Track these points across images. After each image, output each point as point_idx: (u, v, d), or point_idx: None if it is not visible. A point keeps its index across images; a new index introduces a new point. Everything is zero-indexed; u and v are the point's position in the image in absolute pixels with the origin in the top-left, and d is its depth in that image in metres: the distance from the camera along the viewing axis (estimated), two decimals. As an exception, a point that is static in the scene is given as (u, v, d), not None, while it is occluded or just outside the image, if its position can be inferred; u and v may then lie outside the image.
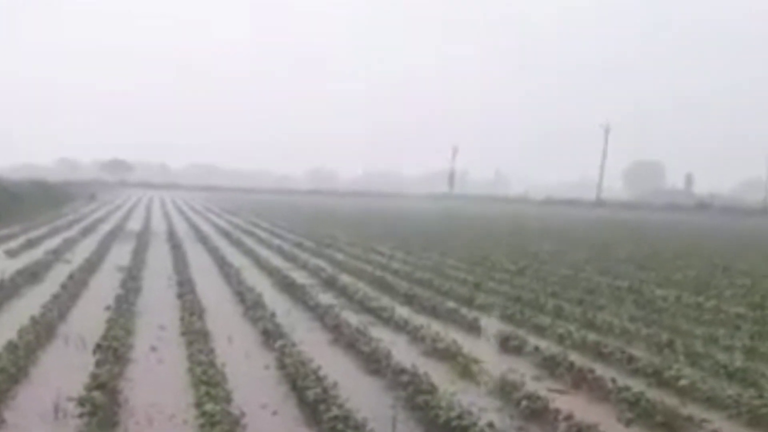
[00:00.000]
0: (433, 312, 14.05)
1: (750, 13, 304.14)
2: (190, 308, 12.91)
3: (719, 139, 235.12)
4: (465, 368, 9.77)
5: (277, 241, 29.55)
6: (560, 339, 11.76)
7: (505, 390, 8.68)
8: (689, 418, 7.63)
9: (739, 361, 10.41)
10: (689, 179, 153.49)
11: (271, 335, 11.20)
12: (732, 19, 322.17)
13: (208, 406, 7.27)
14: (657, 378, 9.49)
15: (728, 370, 9.86)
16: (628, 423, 7.94)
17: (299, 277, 18.54)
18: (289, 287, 16.72)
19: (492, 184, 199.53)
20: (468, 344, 10.97)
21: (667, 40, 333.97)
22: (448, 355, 10.40)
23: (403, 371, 8.97)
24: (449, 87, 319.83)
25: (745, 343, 11.53)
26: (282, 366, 9.49)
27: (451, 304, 14.45)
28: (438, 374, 9.34)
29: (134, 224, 37.65)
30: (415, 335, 11.76)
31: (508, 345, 11.28)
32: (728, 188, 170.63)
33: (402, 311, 13.91)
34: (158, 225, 37.79)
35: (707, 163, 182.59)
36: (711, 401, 8.61)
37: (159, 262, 21.33)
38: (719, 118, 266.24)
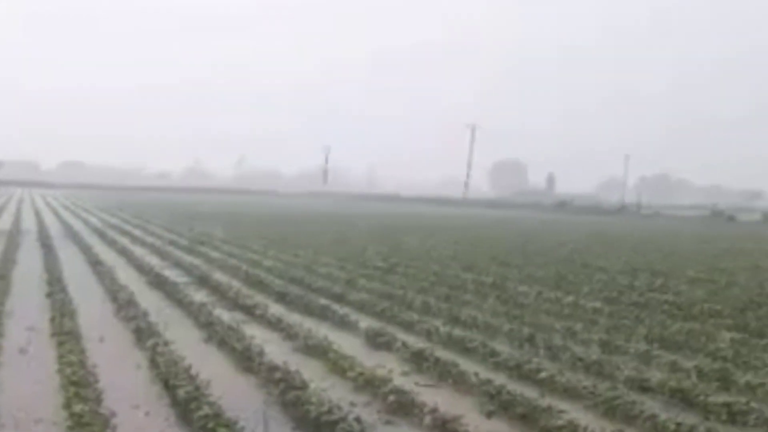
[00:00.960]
0: (306, 309, 14.26)
1: (609, 21, 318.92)
2: (61, 308, 12.67)
3: (580, 140, 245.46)
4: (335, 364, 10.01)
5: (150, 239, 29.01)
6: (428, 334, 12.18)
7: (374, 385, 8.95)
8: (548, 409, 8.01)
9: (595, 354, 10.98)
10: (551, 179, 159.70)
11: (143, 334, 11.15)
12: (598, 26, 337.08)
13: (77, 407, 7.25)
14: (518, 371, 9.96)
15: (585, 363, 10.41)
16: (490, 415, 8.34)
17: (172, 275, 18.38)
18: (162, 285, 16.57)
19: (365, 183, 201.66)
20: (339, 341, 11.27)
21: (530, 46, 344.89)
22: (319, 351, 10.65)
23: (275, 368, 9.15)
24: (327, 90, 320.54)
25: (601, 337, 12.10)
26: (154, 365, 9.50)
27: (323, 301, 14.71)
28: (309, 370, 9.59)
29: (3, 224, 35.98)
30: (287, 332, 11.94)
31: (377, 341, 11.59)
32: (589, 188, 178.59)
33: (275, 309, 14.08)
34: (29, 224, 36.46)
35: (568, 163, 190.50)
36: (569, 392, 9.08)
37: (29, 261, 20.69)
38: (581, 120, 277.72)
